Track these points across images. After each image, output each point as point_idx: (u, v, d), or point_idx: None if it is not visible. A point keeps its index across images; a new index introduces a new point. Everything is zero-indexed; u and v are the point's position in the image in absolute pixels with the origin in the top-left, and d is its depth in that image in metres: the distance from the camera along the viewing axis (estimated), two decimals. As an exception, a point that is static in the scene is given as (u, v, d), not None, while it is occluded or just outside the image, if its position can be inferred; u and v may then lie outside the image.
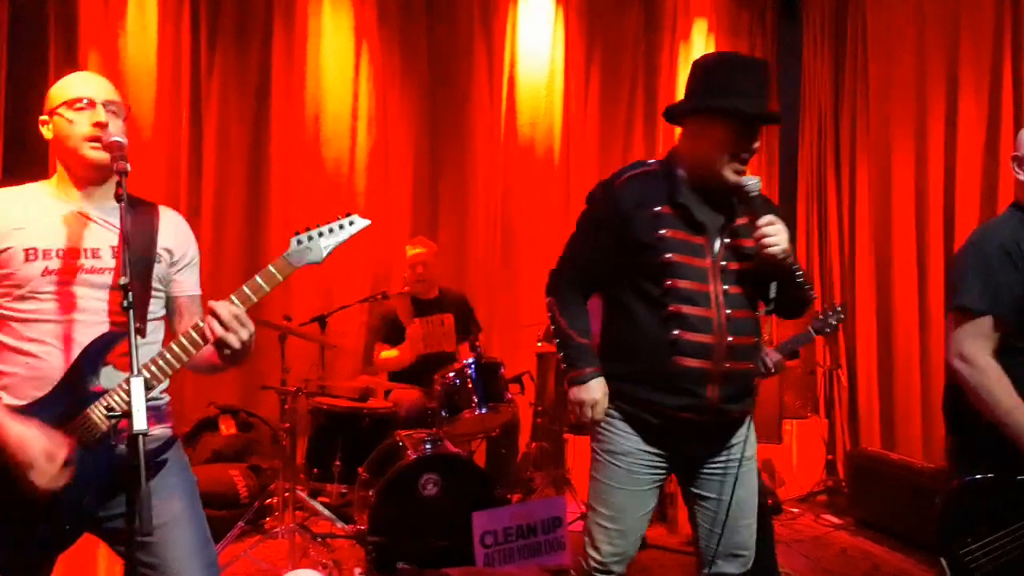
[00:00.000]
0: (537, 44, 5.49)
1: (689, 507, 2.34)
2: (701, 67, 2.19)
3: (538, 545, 3.68)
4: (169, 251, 1.96)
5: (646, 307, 2.15)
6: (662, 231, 2.12)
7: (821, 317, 3.52)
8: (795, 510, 4.85)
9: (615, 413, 2.23)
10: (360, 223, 1.88)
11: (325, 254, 1.84)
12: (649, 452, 2.21)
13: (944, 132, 4.67)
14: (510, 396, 4.01)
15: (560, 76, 5.53)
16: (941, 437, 2.51)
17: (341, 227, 1.85)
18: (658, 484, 2.24)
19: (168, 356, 1.76)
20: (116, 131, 1.84)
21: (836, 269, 5.54)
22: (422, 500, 3.51)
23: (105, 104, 1.86)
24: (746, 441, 2.26)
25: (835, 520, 4.63)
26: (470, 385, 3.85)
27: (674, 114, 2.24)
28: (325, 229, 1.84)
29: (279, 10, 4.93)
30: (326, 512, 3.93)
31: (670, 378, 2.12)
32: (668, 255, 2.11)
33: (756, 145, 2.12)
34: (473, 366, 3.87)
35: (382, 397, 4.41)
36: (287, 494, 3.66)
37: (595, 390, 2.20)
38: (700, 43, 5.81)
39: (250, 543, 3.70)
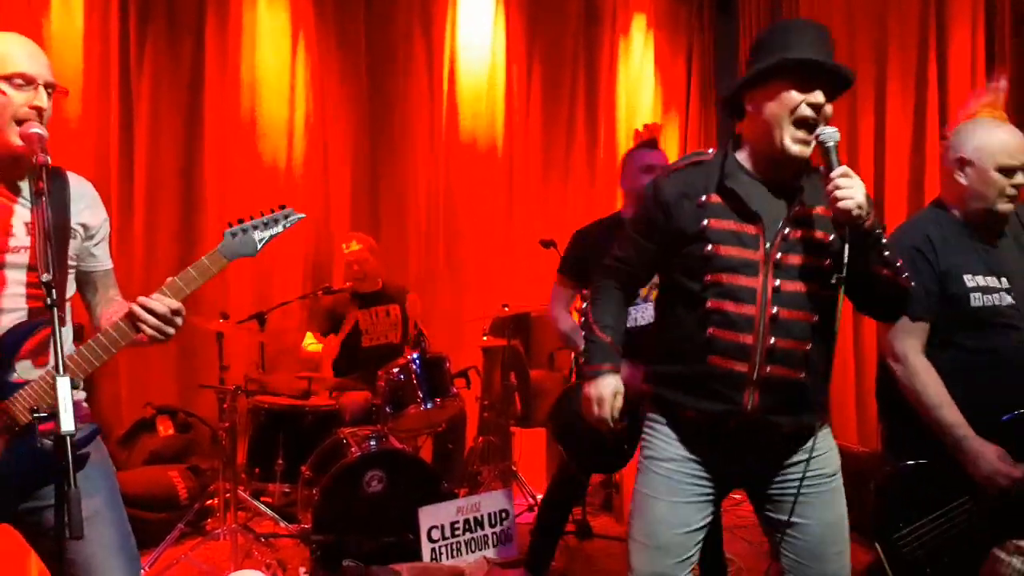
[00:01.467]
0: (477, 38, 5.47)
1: (768, 536, 2.10)
2: (755, 41, 2.01)
3: (485, 538, 3.68)
4: (85, 226, 1.89)
5: (687, 305, 1.96)
6: (706, 221, 1.91)
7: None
8: (738, 496, 4.90)
9: (659, 418, 2.05)
10: (295, 216, 1.87)
11: (260, 247, 1.82)
12: (693, 460, 1.99)
13: (874, 127, 4.80)
14: (455, 391, 4.00)
15: (501, 70, 5.52)
16: (875, 422, 2.58)
17: (276, 220, 1.84)
18: (704, 499, 2.00)
19: (94, 348, 1.73)
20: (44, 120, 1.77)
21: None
22: (367, 497, 3.48)
23: (47, 86, 1.78)
24: (823, 456, 1.98)
25: (777, 505, 4.72)
26: (415, 380, 3.82)
27: (732, 103, 2.01)
28: (260, 222, 1.82)
29: (211, 2, 4.82)
30: (269, 512, 3.87)
31: (704, 380, 1.92)
32: (710, 247, 1.89)
33: (821, 100, 1.84)
34: (418, 361, 3.85)
35: (327, 395, 4.35)
36: (228, 495, 3.60)
37: (604, 387, 2.03)
38: (639, 37, 5.88)
39: (191, 545, 3.63)
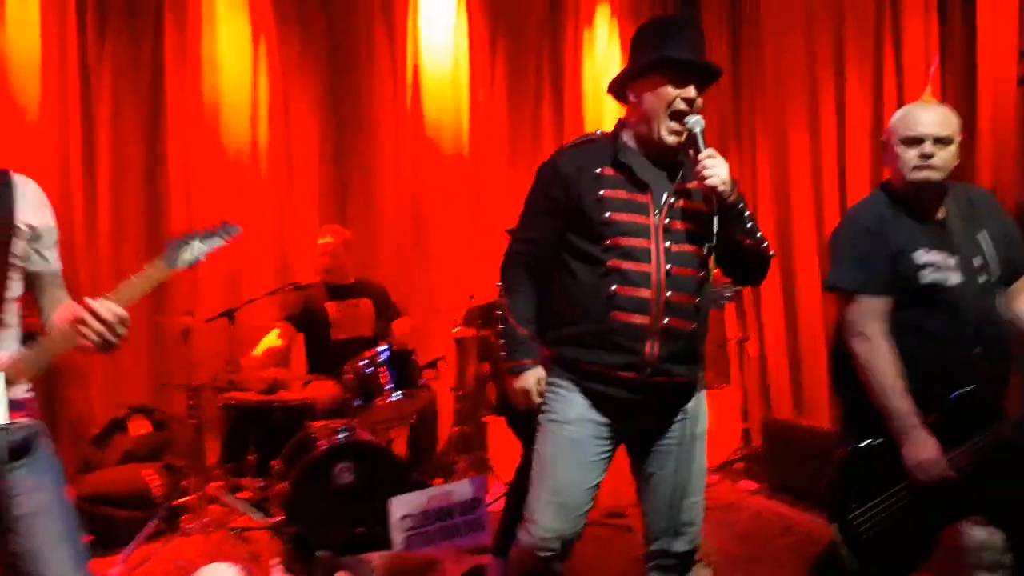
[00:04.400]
0: (440, 30, 5.47)
1: (637, 483, 2.31)
2: (635, 34, 2.23)
3: (457, 527, 3.71)
4: (31, 227, 1.89)
5: (586, 266, 2.15)
6: (602, 191, 2.13)
7: (714, 291, 3.47)
8: (713, 478, 5.00)
9: (561, 381, 2.20)
10: (233, 229, 1.94)
11: (202, 258, 1.89)
12: (595, 422, 2.17)
13: (835, 111, 4.86)
14: (424, 382, 4.03)
15: (465, 64, 5.53)
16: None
17: (216, 234, 1.91)
18: (604, 457, 2.20)
19: (39, 351, 1.76)
20: None
21: (742, 244, 5.70)
22: (337, 489, 3.51)
23: None
24: (697, 417, 2.23)
25: (751, 486, 4.78)
26: (383, 372, 3.85)
27: (616, 88, 2.25)
28: (201, 235, 1.89)
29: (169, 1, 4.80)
30: (241, 506, 3.89)
31: (608, 335, 2.10)
32: (608, 214, 2.11)
33: (693, 94, 2.11)
34: (385, 353, 3.87)
35: (299, 388, 4.37)
36: (200, 491, 3.61)
37: (528, 379, 2.22)
38: (604, 28, 5.90)
39: (164, 542, 3.65)
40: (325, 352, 4.38)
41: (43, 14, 4.46)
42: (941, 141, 2.27)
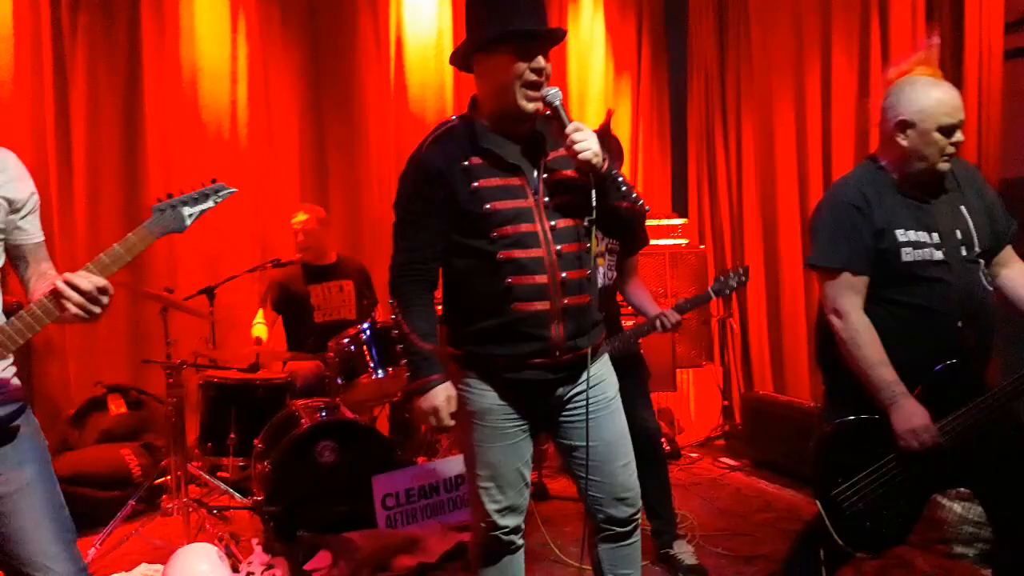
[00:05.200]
0: (424, 6, 5.38)
1: (563, 459, 2.32)
2: (467, 3, 2.13)
3: (441, 504, 3.71)
4: (8, 200, 1.83)
5: (477, 262, 2.10)
6: (475, 183, 2.07)
7: (722, 279, 3.46)
8: (694, 455, 5.02)
9: (469, 377, 2.17)
10: (225, 191, 1.84)
11: (188, 222, 1.80)
12: (507, 407, 2.17)
13: (820, 84, 4.84)
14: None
15: (449, 36, 5.44)
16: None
17: (205, 195, 1.81)
18: (525, 437, 2.21)
19: (19, 325, 1.70)
20: None
21: (726, 223, 5.70)
22: (320, 467, 3.48)
23: None
24: (607, 381, 2.25)
25: (732, 462, 4.82)
26: (366, 350, 3.81)
27: (461, 56, 2.17)
28: (189, 197, 1.80)
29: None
30: (222, 485, 3.86)
31: (513, 326, 2.08)
32: (487, 205, 2.06)
33: (543, 63, 2.04)
34: (368, 331, 3.83)
35: (279, 367, 4.33)
36: (179, 471, 3.58)
37: (435, 398, 2.13)
38: (588, 4, 5.83)
39: (143, 521, 3.61)
40: (307, 335, 4.34)
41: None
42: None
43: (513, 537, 2.26)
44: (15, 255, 1.90)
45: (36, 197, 1.92)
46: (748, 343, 5.52)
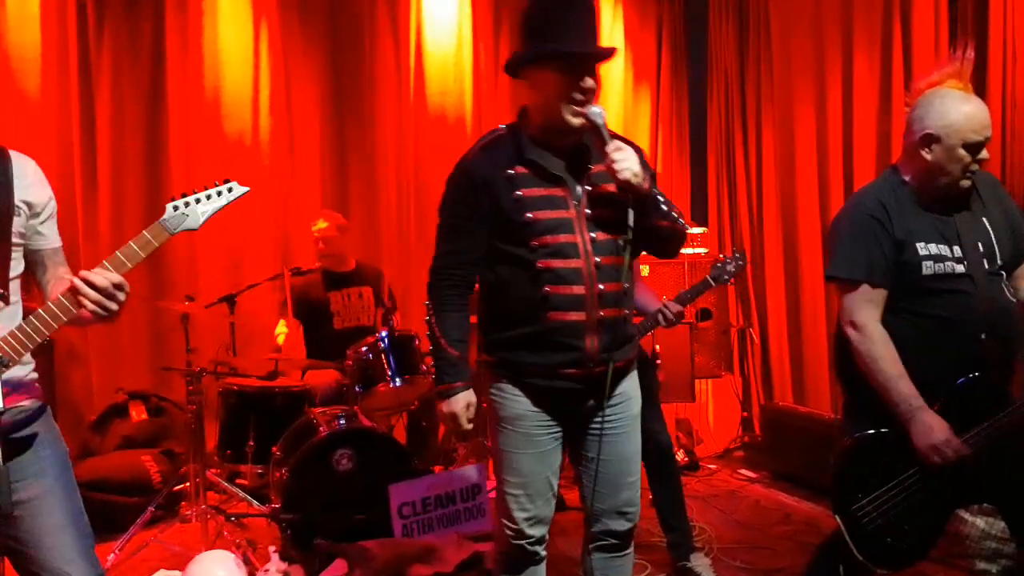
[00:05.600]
0: (443, 12, 5.40)
1: (575, 466, 2.34)
2: (525, 14, 2.15)
3: (457, 513, 3.70)
4: (28, 204, 1.85)
5: (516, 269, 2.12)
6: (519, 191, 2.10)
7: (719, 264, 3.35)
8: (712, 466, 4.99)
9: (502, 382, 2.19)
10: (239, 190, 1.86)
11: (203, 220, 1.80)
12: (539, 415, 2.19)
13: (842, 93, 4.81)
14: (426, 368, 4.00)
15: (468, 43, 5.46)
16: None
17: (219, 193, 1.82)
18: (556, 445, 2.23)
19: (36, 323, 1.71)
20: None
21: (746, 232, 5.66)
22: (337, 475, 3.49)
23: None
24: (633, 398, 2.27)
25: (751, 474, 4.77)
26: (384, 358, 3.82)
27: (512, 67, 2.19)
28: (202, 195, 1.81)
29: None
30: (240, 493, 3.88)
31: (548, 335, 2.10)
32: (529, 214, 2.09)
33: (590, 83, 2.07)
34: (386, 339, 3.84)
35: (298, 376, 4.35)
36: (198, 477, 3.60)
37: (456, 404, 2.19)
38: (608, 9, 5.83)
39: (162, 528, 3.64)
40: (327, 341, 4.35)
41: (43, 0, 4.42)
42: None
43: (538, 548, 2.26)
44: (33, 260, 1.92)
45: (54, 202, 1.94)
46: (768, 353, 5.48)
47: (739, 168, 5.69)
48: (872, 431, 2.25)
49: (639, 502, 2.31)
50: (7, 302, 1.81)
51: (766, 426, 4.93)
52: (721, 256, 3.50)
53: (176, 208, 1.78)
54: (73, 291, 1.69)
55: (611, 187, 2.12)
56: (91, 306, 1.68)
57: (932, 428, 2.13)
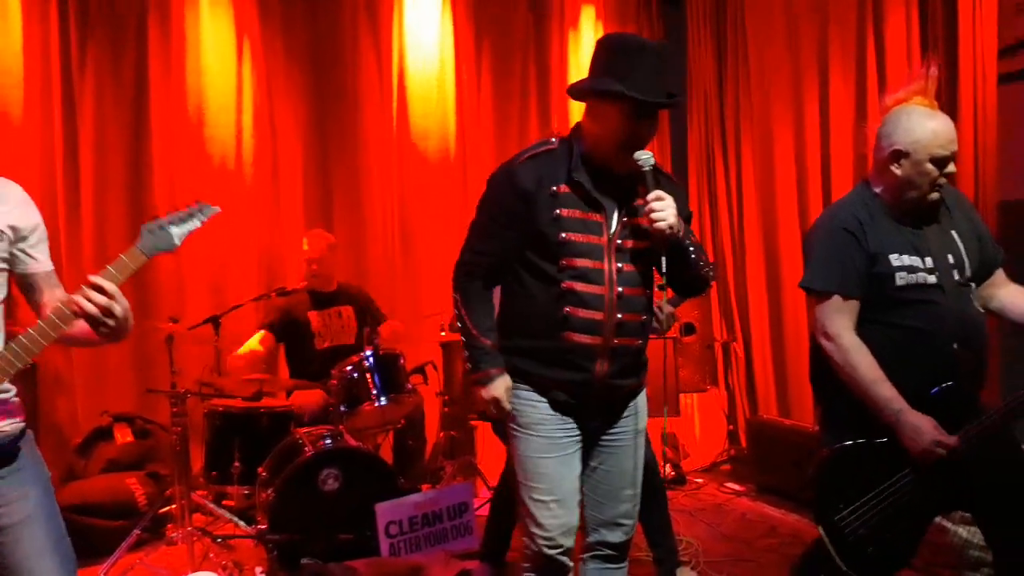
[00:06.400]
0: (425, 36, 5.45)
1: (584, 471, 2.36)
2: (603, 46, 2.18)
3: (444, 532, 3.71)
4: (14, 228, 1.87)
5: (541, 284, 2.17)
6: (559, 210, 2.13)
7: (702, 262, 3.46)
8: (699, 480, 5.01)
9: (522, 385, 2.25)
10: (210, 210, 1.90)
11: (178, 242, 1.84)
12: (559, 418, 2.23)
13: (819, 110, 4.89)
14: (411, 386, 4.01)
15: (451, 67, 5.51)
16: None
17: (192, 215, 1.87)
18: (578, 449, 2.26)
19: (26, 343, 1.72)
20: None
21: (727, 245, 5.72)
22: (323, 495, 3.49)
23: None
24: (640, 413, 2.33)
25: (737, 487, 4.80)
26: (369, 377, 3.83)
27: (577, 92, 2.23)
28: (175, 217, 1.85)
29: (153, 4, 4.77)
30: (226, 514, 3.86)
31: (561, 353, 2.16)
32: (564, 234, 2.13)
33: (651, 131, 2.14)
34: (371, 358, 3.86)
35: (283, 396, 4.34)
36: (184, 499, 3.59)
37: (496, 389, 2.22)
38: (589, 30, 5.90)
39: (148, 551, 3.62)
40: (309, 361, 4.35)
41: (24, 18, 4.45)
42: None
43: (568, 559, 2.26)
44: (26, 284, 1.93)
45: (43, 227, 1.95)
46: (752, 366, 5.53)
47: (719, 185, 5.76)
48: (850, 442, 2.29)
49: (636, 515, 2.36)
50: None
51: (752, 439, 4.96)
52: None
53: (151, 231, 1.82)
54: (76, 298, 1.69)
55: (646, 220, 2.14)
56: (92, 309, 1.68)
57: (919, 427, 2.17)
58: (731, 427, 5.51)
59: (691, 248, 2.18)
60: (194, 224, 1.86)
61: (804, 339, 5.03)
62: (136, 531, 3.62)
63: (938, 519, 2.83)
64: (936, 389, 2.23)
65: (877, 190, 2.36)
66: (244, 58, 5.03)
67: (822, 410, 2.49)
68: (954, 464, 2.18)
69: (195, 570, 3.38)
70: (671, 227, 2.07)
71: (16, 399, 1.89)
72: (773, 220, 5.27)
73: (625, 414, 2.29)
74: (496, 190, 2.25)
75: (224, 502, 4.04)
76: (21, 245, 1.89)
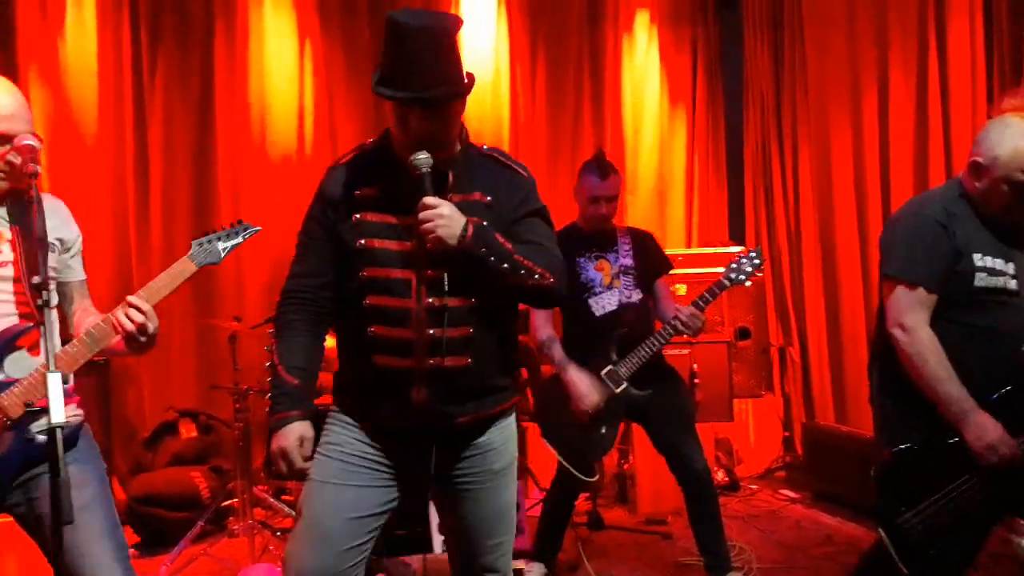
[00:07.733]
0: (481, 41, 5.50)
1: (440, 516, 2.18)
2: (383, 40, 1.92)
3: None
4: (61, 240, 2.03)
5: (351, 303, 1.90)
6: (358, 214, 1.89)
7: (735, 265, 3.16)
8: (754, 487, 4.96)
9: (339, 414, 1.99)
10: (252, 229, 2.09)
11: (223, 255, 2.04)
12: (369, 446, 1.92)
13: (878, 110, 4.82)
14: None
15: (506, 74, 5.55)
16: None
17: (236, 232, 2.07)
18: (382, 485, 1.92)
19: (81, 346, 1.87)
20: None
21: (784, 251, 5.65)
22: (379, 491, 3.55)
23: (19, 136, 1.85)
24: (496, 452, 1.97)
25: (792, 495, 4.74)
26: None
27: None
28: (223, 234, 2.05)
29: (219, 11, 4.93)
30: (285, 508, 3.97)
31: (374, 379, 1.87)
32: (362, 240, 1.87)
33: (429, 128, 1.84)
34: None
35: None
36: (245, 493, 3.70)
37: (285, 437, 1.89)
38: (643, 34, 5.88)
39: (211, 542, 3.75)
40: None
41: (99, 26, 4.66)
42: None
43: None
44: (62, 292, 2.07)
45: (81, 239, 2.12)
46: (809, 372, 5.44)
47: (776, 186, 5.69)
48: (908, 445, 2.25)
49: (504, 567, 2.05)
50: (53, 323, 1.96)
51: (808, 446, 4.88)
52: (736, 256, 3.28)
53: (200, 244, 2.01)
54: (116, 314, 1.87)
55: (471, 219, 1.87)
56: (130, 327, 1.86)
57: (986, 428, 2.13)
58: (787, 433, 5.44)
59: (491, 257, 1.82)
60: (238, 240, 2.06)
61: (862, 344, 4.99)
62: (200, 523, 3.74)
63: (1004, 532, 2.77)
64: (995, 396, 2.19)
65: (966, 190, 2.30)
66: (306, 64, 5.16)
67: (880, 411, 2.44)
68: (1018, 468, 2.13)
69: (255, 562, 3.48)
70: (452, 236, 1.78)
71: (74, 387, 2.02)
72: (831, 224, 5.19)
73: (472, 452, 1.94)
74: (312, 202, 2.01)
75: (283, 497, 4.15)
76: (64, 256, 2.05)
